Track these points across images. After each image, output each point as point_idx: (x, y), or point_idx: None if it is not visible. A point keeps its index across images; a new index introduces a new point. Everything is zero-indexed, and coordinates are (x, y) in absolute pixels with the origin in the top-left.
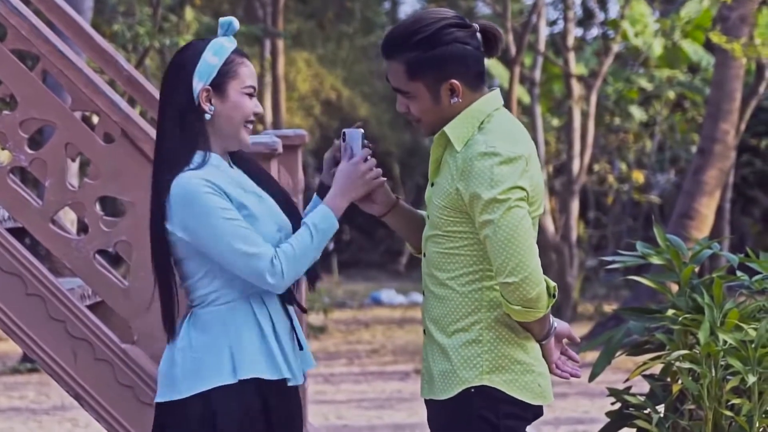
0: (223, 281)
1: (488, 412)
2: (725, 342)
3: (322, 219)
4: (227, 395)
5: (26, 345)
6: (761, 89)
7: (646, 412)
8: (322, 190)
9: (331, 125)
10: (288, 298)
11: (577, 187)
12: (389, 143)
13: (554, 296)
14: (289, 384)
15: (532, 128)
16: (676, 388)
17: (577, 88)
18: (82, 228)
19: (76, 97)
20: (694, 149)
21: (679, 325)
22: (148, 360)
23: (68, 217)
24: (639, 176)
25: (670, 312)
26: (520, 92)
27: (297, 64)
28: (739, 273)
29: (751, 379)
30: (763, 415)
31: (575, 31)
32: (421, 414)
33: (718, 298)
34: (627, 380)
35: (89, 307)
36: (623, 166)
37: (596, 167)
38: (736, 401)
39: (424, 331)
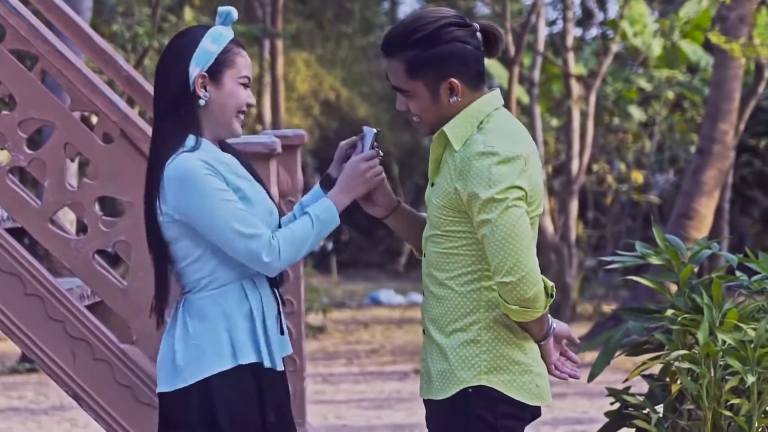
0: (216, 264)
1: (486, 412)
2: (724, 342)
3: (323, 210)
4: (226, 380)
5: (25, 345)
6: (760, 89)
7: (645, 412)
8: (326, 182)
9: (330, 125)
10: (276, 281)
11: (576, 187)
12: (388, 143)
13: (552, 296)
14: (277, 369)
15: (531, 128)
16: (675, 388)
17: (576, 88)
18: (81, 228)
19: (75, 97)
20: (693, 149)
21: (678, 326)
22: (147, 360)
23: (67, 218)
24: (638, 176)
25: (669, 312)
26: (519, 92)
27: (296, 65)
28: (738, 273)
29: (750, 379)
30: (762, 415)
31: (574, 31)
32: (420, 414)
33: (717, 299)
34: (626, 380)
35: (88, 307)
36: (622, 166)
37: (595, 167)
38: (735, 401)
39: (424, 331)
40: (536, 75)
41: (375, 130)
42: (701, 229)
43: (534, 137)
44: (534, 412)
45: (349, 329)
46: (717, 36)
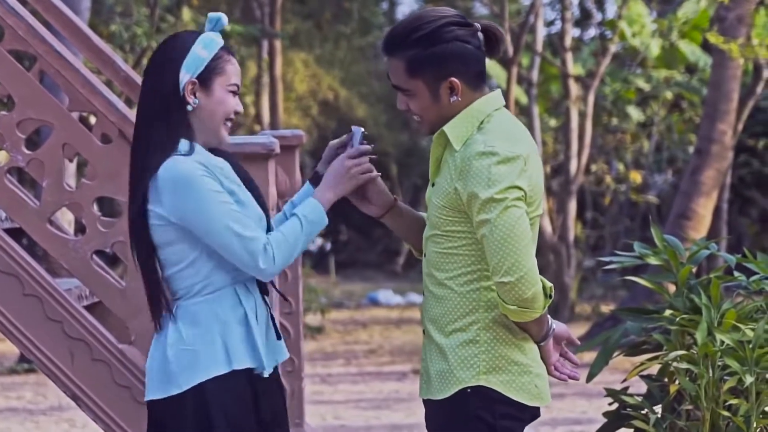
0: (211, 268)
1: (485, 412)
2: (723, 342)
3: (311, 211)
4: (221, 385)
5: (23, 345)
6: (758, 90)
7: (643, 412)
8: (315, 179)
9: (329, 125)
10: (265, 287)
11: (575, 188)
12: (386, 143)
13: (551, 297)
14: (264, 375)
15: (529, 129)
16: (673, 389)
17: (574, 89)
18: (80, 228)
19: (73, 98)
20: (691, 150)
21: (676, 326)
22: (145, 360)
23: (66, 218)
24: (636, 176)
25: (668, 312)
26: (517, 93)
27: (294, 65)
28: (736, 273)
29: (749, 379)
30: (761, 416)
31: (573, 32)
32: (419, 414)
33: (716, 299)
34: (624, 381)
35: (86, 307)
36: (621, 167)
37: (594, 168)
38: (734, 401)
39: (424, 331)
40: (534, 75)
41: (362, 130)
42: (699, 229)
43: (532, 138)
44: (533, 413)
45: (348, 329)
46: (715, 36)
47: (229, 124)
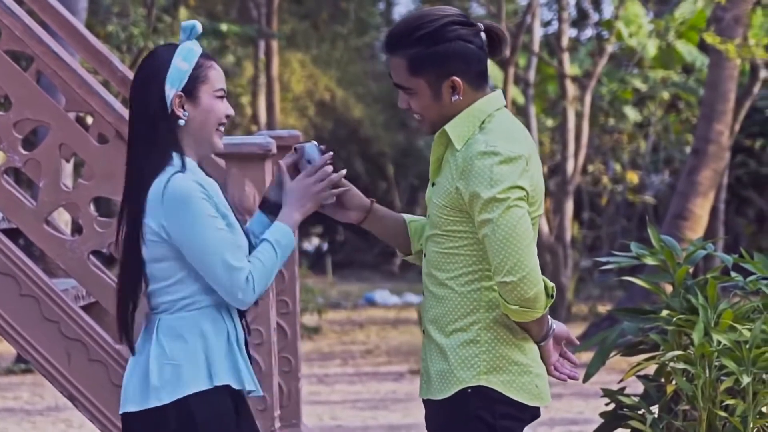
0: (197, 287)
1: (485, 412)
2: (719, 343)
3: (282, 236)
4: (204, 401)
5: (20, 346)
6: (755, 90)
7: (640, 412)
8: (266, 206)
9: (326, 126)
10: (243, 312)
11: (572, 188)
12: (383, 144)
13: (552, 297)
14: (251, 395)
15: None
16: (670, 389)
17: (571, 89)
18: (77, 229)
19: (70, 98)
20: (688, 150)
21: (673, 326)
22: None
23: (62, 218)
24: (633, 177)
25: (665, 313)
26: (514, 93)
27: (291, 65)
28: (733, 274)
29: (746, 379)
30: (758, 416)
31: (569, 32)
32: (416, 414)
33: (713, 299)
34: (621, 381)
35: (83, 307)
36: (617, 167)
37: (590, 168)
38: (731, 402)
39: (423, 331)
40: (531, 75)
41: (314, 143)
42: (696, 229)
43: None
44: (533, 413)
45: (345, 330)
46: (712, 36)
47: (222, 129)
